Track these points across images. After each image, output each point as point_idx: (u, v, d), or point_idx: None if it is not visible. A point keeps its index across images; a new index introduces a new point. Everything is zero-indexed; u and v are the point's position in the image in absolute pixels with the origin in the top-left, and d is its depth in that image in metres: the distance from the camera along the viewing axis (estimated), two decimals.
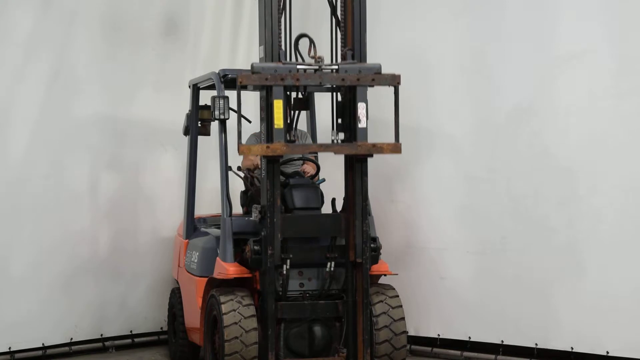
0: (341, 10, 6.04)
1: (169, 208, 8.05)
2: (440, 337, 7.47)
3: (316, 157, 6.98)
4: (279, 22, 5.89)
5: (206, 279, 6.37)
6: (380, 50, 7.10)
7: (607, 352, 6.67)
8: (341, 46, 6.00)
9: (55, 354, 7.60)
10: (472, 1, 7.41)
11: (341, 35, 6.01)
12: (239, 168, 6.68)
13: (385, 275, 6.32)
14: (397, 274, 6.45)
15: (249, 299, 5.84)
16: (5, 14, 7.35)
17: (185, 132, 7.15)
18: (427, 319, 7.50)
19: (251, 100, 7.38)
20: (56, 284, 7.51)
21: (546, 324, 6.94)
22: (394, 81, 5.49)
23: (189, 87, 7.24)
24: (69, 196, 7.64)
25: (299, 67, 5.57)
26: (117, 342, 7.92)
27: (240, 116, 6.00)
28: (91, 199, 7.76)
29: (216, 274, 6.21)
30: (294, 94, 6.23)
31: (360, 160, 5.76)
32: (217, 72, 6.64)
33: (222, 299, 5.90)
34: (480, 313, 7.25)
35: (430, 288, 7.42)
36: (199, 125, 7.08)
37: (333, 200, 6.22)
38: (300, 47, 5.91)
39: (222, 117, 6.20)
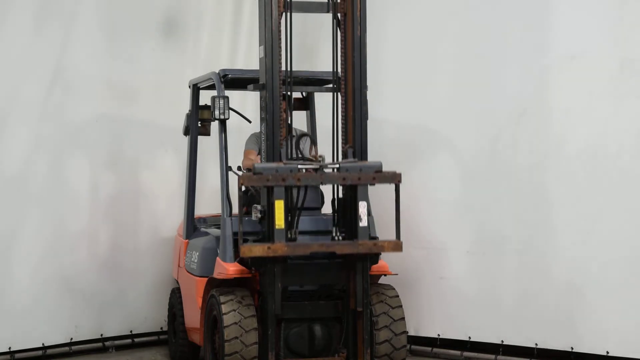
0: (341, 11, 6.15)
1: (168, 208, 8.03)
2: (440, 337, 7.44)
3: (323, 158, 6.94)
4: (279, 22, 5.88)
5: (206, 279, 6.34)
6: (378, 49, 7.04)
7: (607, 352, 6.64)
8: (341, 53, 5.92)
9: (55, 354, 7.52)
10: (473, 1, 7.52)
11: (341, 35, 5.94)
12: (239, 168, 6.57)
13: (385, 275, 6.29)
14: (397, 274, 6.41)
15: (249, 299, 5.81)
16: (5, 13, 7.24)
17: (185, 132, 7.14)
18: (427, 319, 7.45)
19: (251, 100, 7.45)
20: (56, 284, 7.44)
21: (546, 324, 6.89)
22: (394, 179, 5.56)
23: (189, 87, 7.21)
24: (69, 196, 7.59)
25: (300, 166, 5.59)
26: (117, 342, 7.85)
27: (242, 116, 6.04)
28: (91, 199, 7.76)
29: (216, 274, 6.18)
30: (295, 94, 6.24)
31: (362, 258, 5.78)
32: (217, 72, 6.60)
33: (222, 299, 5.89)
34: (480, 313, 7.18)
35: (430, 288, 7.38)
36: (199, 125, 7.07)
37: (333, 200, 6.10)
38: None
39: (222, 117, 6.18)
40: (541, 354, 7.02)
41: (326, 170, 5.63)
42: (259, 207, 5.84)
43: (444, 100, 7.42)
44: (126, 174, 7.92)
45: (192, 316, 6.71)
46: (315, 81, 6.76)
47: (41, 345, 7.42)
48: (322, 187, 6.50)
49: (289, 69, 5.97)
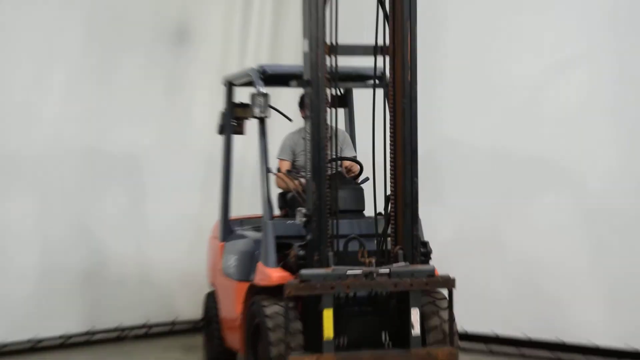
0: (391, 10, 4.95)
1: (189, 204, 7.48)
2: None
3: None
4: (324, 13, 4.79)
5: (246, 284, 5.30)
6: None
7: (591, 342, 6.30)
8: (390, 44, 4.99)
9: (76, 342, 6.95)
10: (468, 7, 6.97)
11: (389, 27, 4.93)
12: (278, 170, 5.69)
13: None
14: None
15: (293, 303, 4.86)
16: (21, 27, 6.76)
17: (220, 131, 6.08)
18: None
19: (289, 96, 6.31)
20: (79, 278, 6.99)
21: (535, 316, 6.58)
22: (448, 284, 4.75)
23: (223, 84, 6.10)
24: (100, 187, 7.13)
25: (348, 272, 4.67)
26: (134, 331, 7.26)
27: (283, 114, 5.19)
28: (118, 193, 7.29)
29: (258, 280, 5.11)
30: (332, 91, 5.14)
31: None
32: (255, 67, 5.53)
33: (266, 303, 4.93)
34: (474, 306, 6.63)
35: None
36: (234, 123, 6.05)
37: (388, 198, 5.09)
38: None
39: (262, 115, 5.18)
40: (530, 344, 6.60)
41: (377, 276, 4.69)
42: (303, 210, 4.88)
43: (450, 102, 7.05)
44: (148, 171, 7.35)
45: (229, 321, 5.68)
46: (358, 77, 5.63)
47: (62, 334, 6.89)
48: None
49: (334, 65, 4.91)
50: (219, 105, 6.66)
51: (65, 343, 6.93)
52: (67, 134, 7.03)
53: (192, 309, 7.38)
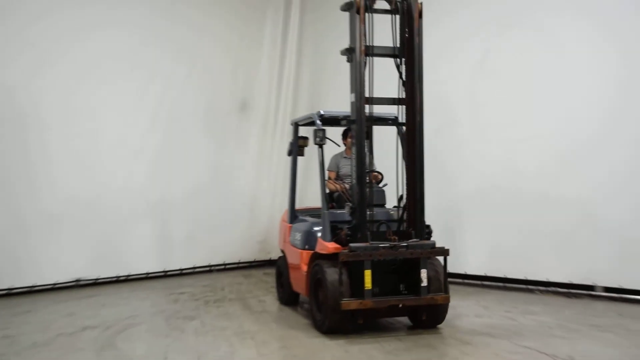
0: (406, 75, 5.46)
1: (248, 201, 9.34)
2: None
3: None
4: (364, 76, 5.04)
5: (309, 252, 5.24)
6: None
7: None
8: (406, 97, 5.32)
9: (186, 272, 8.78)
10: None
11: (406, 86, 5.48)
12: (328, 178, 5.61)
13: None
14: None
15: (342, 264, 5.09)
16: (145, 113, 7.77)
17: (289, 154, 6.36)
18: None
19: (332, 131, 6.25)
20: (191, 243, 8.93)
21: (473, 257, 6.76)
22: (444, 253, 5.06)
23: (291, 124, 6.35)
24: (201, 197, 9.20)
25: (380, 245, 5.05)
26: (216, 267, 8.60)
27: (334, 142, 5.00)
28: (212, 197, 9.28)
29: (318, 249, 5.04)
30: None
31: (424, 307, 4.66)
32: (315, 113, 5.62)
33: (325, 265, 5.06)
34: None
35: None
36: (298, 149, 6.07)
37: (400, 197, 5.54)
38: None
39: (320, 143, 5.41)
40: (488, 279, 7.20)
41: (400, 248, 5.35)
42: (350, 204, 5.04)
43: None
44: (230, 182, 9.69)
45: (296, 275, 5.80)
46: (382, 119, 6.01)
47: (179, 268, 8.33)
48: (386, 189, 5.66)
49: (371, 111, 5.42)
50: (264, 144, 8.46)
51: (182, 272, 8.03)
52: (188, 171, 8.66)
53: (249, 255, 8.43)
